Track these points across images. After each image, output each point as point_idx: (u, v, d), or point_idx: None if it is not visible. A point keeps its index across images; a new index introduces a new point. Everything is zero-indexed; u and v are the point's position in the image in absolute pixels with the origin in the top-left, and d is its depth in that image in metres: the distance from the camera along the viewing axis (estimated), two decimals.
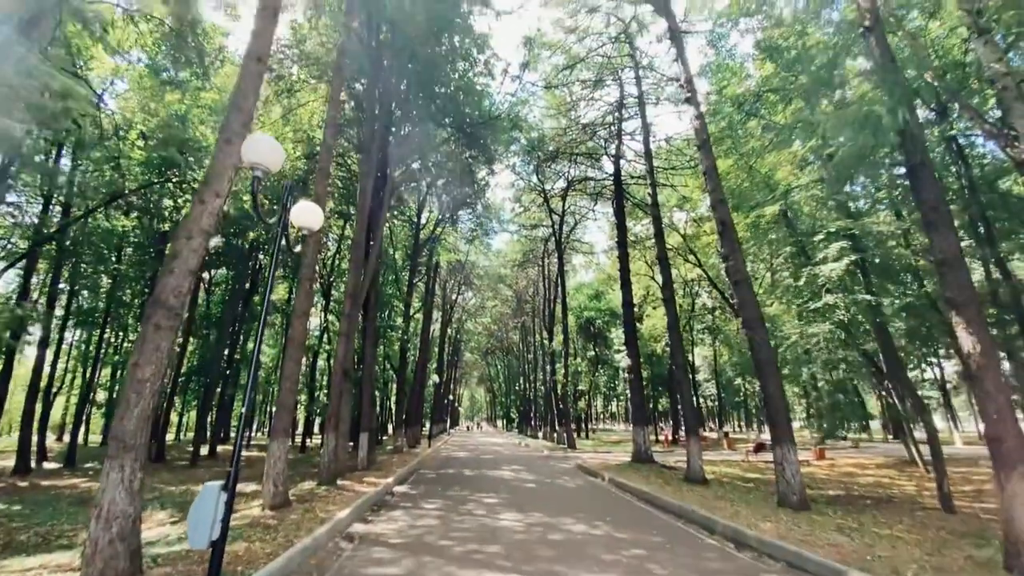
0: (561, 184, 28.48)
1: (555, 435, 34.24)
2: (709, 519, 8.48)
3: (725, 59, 18.85)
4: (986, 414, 5.90)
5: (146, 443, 5.76)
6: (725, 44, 19.03)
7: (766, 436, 43.02)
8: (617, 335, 45.54)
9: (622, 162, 23.03)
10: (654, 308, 39.82)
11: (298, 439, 36.16)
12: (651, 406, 47.12)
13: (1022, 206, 14.72)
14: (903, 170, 15.37)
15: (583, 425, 48.66)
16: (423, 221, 26.73)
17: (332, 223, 26.77)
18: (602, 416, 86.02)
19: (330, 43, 17.81)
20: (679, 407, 38.66)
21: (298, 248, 6.12)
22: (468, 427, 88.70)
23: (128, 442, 5.64)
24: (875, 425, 45.71)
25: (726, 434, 33.14)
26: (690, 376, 36.31)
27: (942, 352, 23.89)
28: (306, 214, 6.05)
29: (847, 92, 12.23)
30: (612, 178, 22.97)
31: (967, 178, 14.98)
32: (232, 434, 35.64)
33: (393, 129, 17.96)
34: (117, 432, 5.66)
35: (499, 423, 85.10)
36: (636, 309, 37.06)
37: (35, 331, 20.01)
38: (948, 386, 31.07)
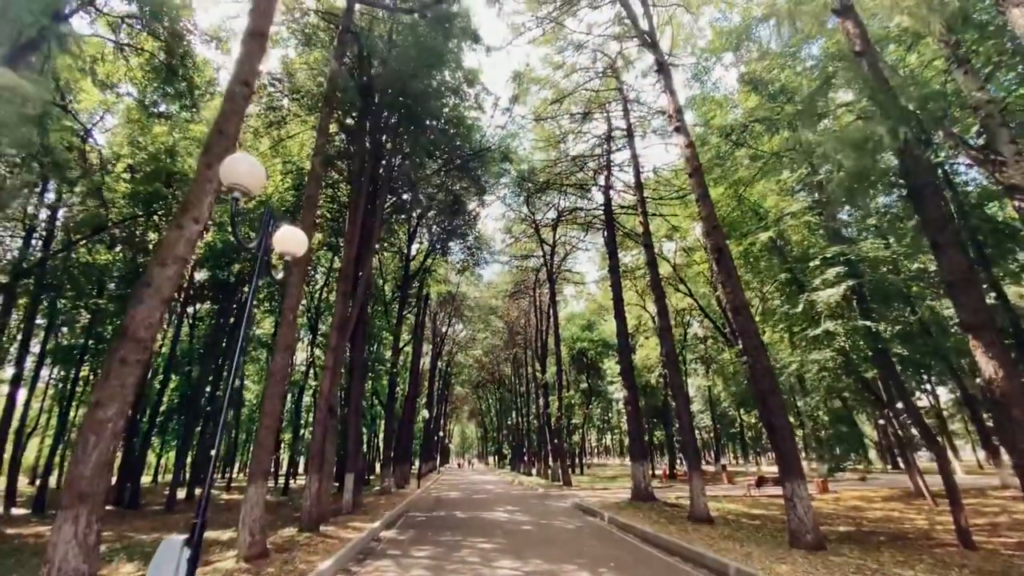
0: (552, 215, 28.51)
1: (549, 471, 33.22)
2: (720, 563, 7.94)
3: (710, 92, 19.20)
4: (1014, 443, 5.56)
5: (104, 491, 5.20)
6: (709, 78, 19.41)
7: (766, 469, 42.11)
8: (610, 366, 44.95)
9: (612, 192, 23.10)
10: (646, 338, 39.50)
11: (281, 479, 34.70)
12: (646, 439, 46.23)
13: (1011, 230, 14.79)
14: (892, 197, 15.45)
15: (577, 460, 47.55)
16: (413, 252, 26.48)
17: (320, 255, 26.40)
18: (596, 449, 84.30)
19: (321, 77, 17.87)
20: (675, 440, 37.87)
21: (280, 275, 5.74)
22: (459, 464, 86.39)
23: (84, 490, 5.08)
24: (871, 454, 45.09)
25: (724, 467, 32.35)
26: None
27: (935, 378, 23.65)
28: (289, 239, 5.70)
29: (831, 123, 12.34)
30: (603, 208, 22.98)
31: (955, 203, 15.09)
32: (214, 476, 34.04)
33: (384, 161, 17.87)
34: (72, 479, 5.11)
35: (491, 460, 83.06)
36: (630, 339, 36.72)
37: (9, 368, 19.10)
38: (944, 413, 30.77)
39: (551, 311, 31.47)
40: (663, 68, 14.50)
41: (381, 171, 17.55)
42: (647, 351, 39.85)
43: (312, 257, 21.14)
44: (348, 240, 14.34)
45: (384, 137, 17.66)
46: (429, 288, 31.50)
